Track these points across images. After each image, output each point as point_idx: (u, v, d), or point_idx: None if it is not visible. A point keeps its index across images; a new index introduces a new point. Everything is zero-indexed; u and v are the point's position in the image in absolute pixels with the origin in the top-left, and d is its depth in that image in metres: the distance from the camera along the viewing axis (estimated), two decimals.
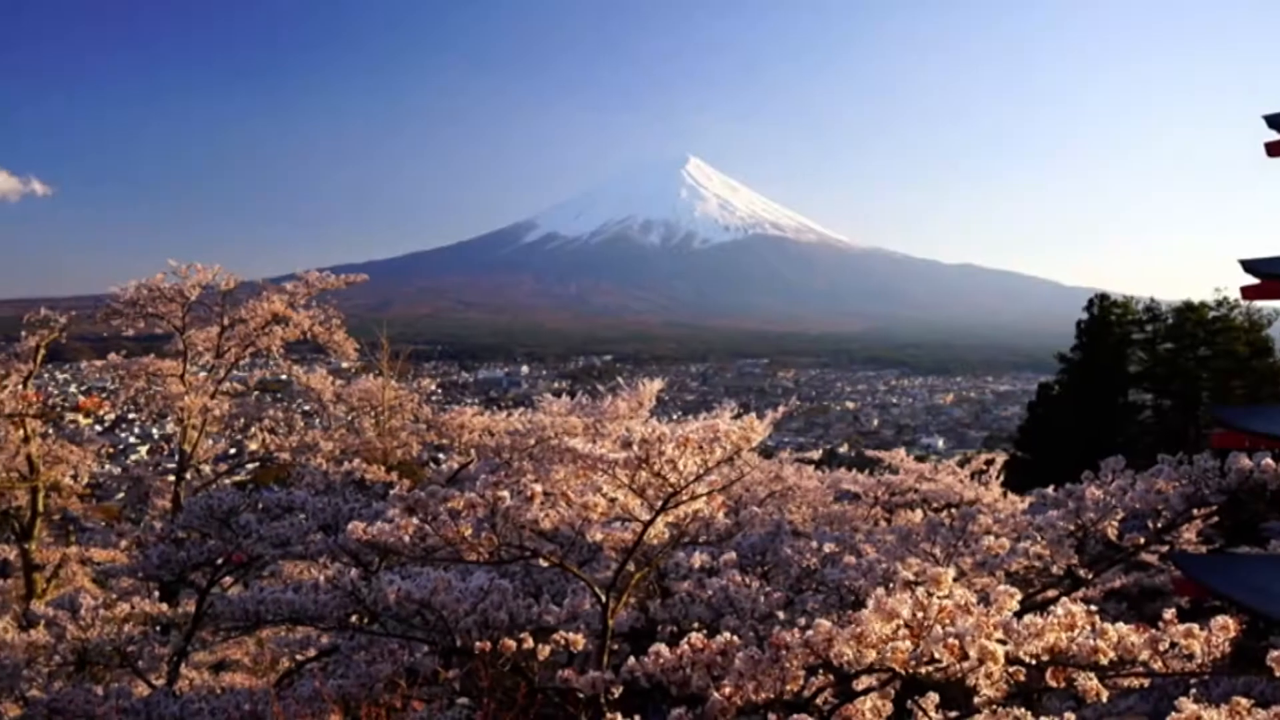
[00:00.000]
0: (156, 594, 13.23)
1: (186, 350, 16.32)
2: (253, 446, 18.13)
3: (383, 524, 7.00)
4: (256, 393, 19.58)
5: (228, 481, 17.09)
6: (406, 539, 7.03)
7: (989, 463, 20.35)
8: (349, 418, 19.55)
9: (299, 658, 12.05)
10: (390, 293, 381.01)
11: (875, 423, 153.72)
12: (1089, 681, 5.05)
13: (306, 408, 22.07)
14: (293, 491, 12.07)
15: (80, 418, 25.64)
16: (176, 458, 16.53)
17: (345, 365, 20.39)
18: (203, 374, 16.69)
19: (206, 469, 17.59)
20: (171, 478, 16.77)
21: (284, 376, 18.78)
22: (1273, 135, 15.72)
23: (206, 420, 16.16)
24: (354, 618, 9.08)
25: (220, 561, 11.80)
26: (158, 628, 12.36)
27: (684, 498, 6.77)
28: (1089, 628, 5.10)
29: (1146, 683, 5.90)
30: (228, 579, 13.25)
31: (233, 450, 20.27)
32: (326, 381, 18.20)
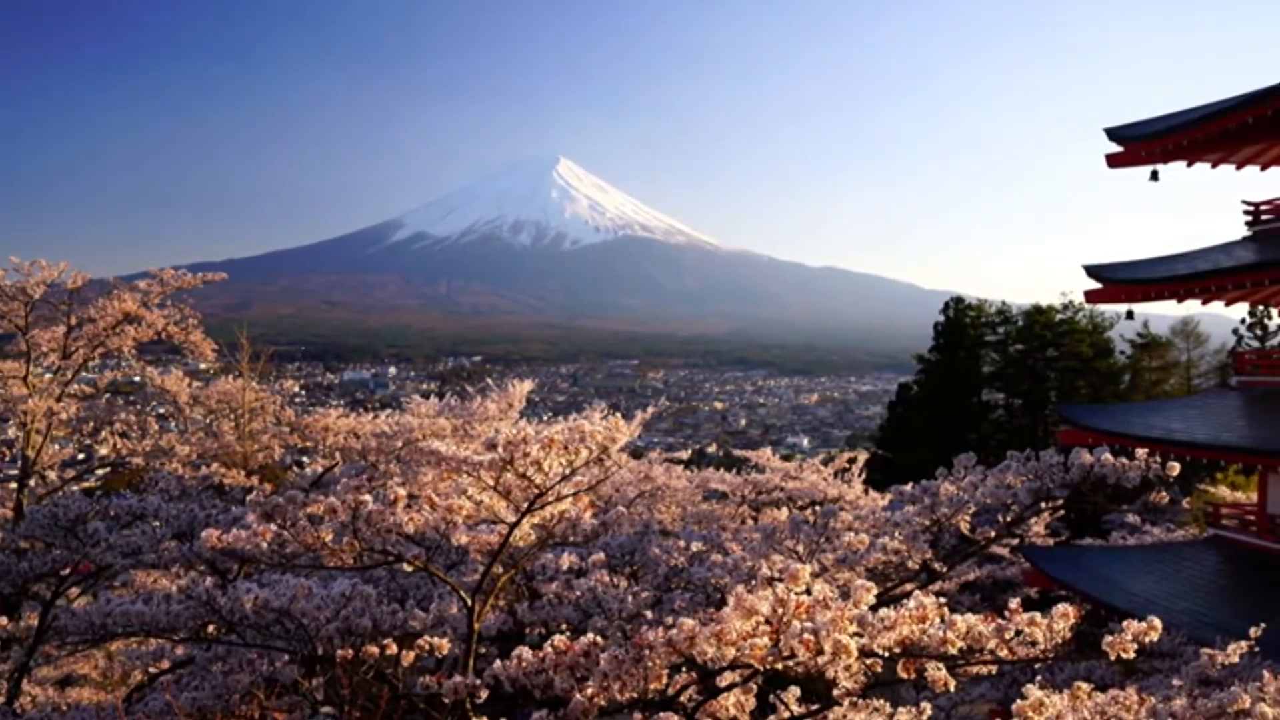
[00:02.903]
0: None
1: (30, 351, 15.54)
2: (103, 451, 17.36)
3: (239, 531, 6.79)
4: (107, 395, 18.76)
5: (75, 488, 16.30)
6: (264, 546, 6.84)
7: (851, 461, 20.92)
8: (207, 421, 18.91)
9: (151, 670, 11.61)
10: (251, 292, 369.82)
11: (743, 422, 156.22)
12: (937, 672, 5.23)
13: (161, 410, 21.25)
14: (145, 498, 11.64)
15: None
16: (18, 464, 15.72)
17: (203, 367, 19.73)
18: (48, 375, 15.92)
19: (52, 475, 16.75)
20: (13, 485, 15.92)
21: (137, 378, 18.07)
22: (1113, 148, 16.60)
23: (51, 424, 15.41)
24: (210, 628, 8.80)
25: (66, 572, 11.29)
26: None
27: (550, 499, 6.76)
28: (940, 619, 5.28)
29: (996, 670, 6.14)
30: (74, 590, 12.68)
31: (81, 455, 19.37)
32: (183, 383, 17.59)
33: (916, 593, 5.48)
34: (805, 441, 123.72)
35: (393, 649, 7.62)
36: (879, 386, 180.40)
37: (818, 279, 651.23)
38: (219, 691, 8.35)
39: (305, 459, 21.59)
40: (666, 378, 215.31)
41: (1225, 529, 16.22)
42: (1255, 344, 35.43)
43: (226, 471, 14.40)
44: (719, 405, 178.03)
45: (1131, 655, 5.53)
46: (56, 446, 16.81)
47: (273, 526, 6.83)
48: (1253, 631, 7.33)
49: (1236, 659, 7.46)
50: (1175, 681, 8.01)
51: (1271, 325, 35.23)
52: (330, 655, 7.65)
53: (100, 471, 20.93)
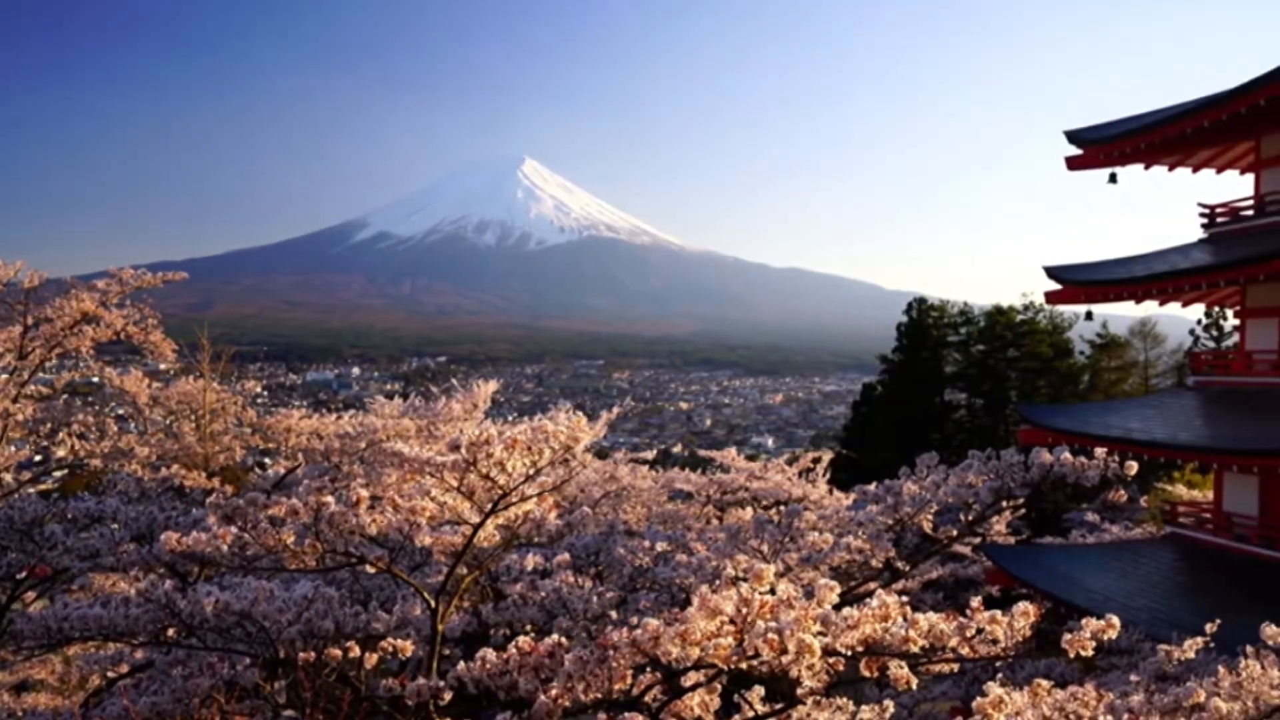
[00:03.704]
0: None
1: None
2: (60, 453, 17.10)
3: (200, 533, 6.72)
4: (65, 396, 18.45)
5: (32, 491, 16.06)
6: (225, 548, 6.77)
7: (816, 461, 21.01)
8: (167, 422, 18.69)
9: (110, 675, 11.44)
10: (213, 292, 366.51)
11: (708, 422, 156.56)
12: (900, 670, 5.26)
13: (120, 412, 21.00)
14: (104, 500, 11.47)
15: None
16: None
17: (164, 367, 19.50)
18: (3, 376, 15.67)
19: (8, 478, 16.47)
20: None
21: (95, 379, 17.82)
22: (1073, 150, 16.80)
23: (7, 426, 15.17)
24: (170, 631, 8.70)
25: (22, 576, 11.12)
26: None
27: (514, 499, 6.74)
28: (902, 618, 5.32)
29: (958, 668, 6.19)
30: (31, 594, 12.49)
31: (38, 457, 19.09)
32: (142, 384, 17.36)
33: (880, 591, 5.51)
34: (770, 441, 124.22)
35: (356, 651, 7.57)
36: (843, 386, 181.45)
37: (782, 280, 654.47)
38: (179, 695, 8.25)
39: (267, 460, 21.40)
40: (632, 378, 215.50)
41: (1182, 527, 16.45)
42: (1211, 344, 36.01)
43: (187, 473, 14.24)
44: (684, 405, 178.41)
45: (1090, 652, 5.59)
46: (13, 448, 16.56)
47: (233, 529, 6.77)
48: (1209, 628, 7.44)
49: (1193, 655, 7.58)
50: (1133, 677, 8.12)
51: (1227, 326, 35.80)
52: (292, 658, 7.58)
53: (58, 473, 20.62)
